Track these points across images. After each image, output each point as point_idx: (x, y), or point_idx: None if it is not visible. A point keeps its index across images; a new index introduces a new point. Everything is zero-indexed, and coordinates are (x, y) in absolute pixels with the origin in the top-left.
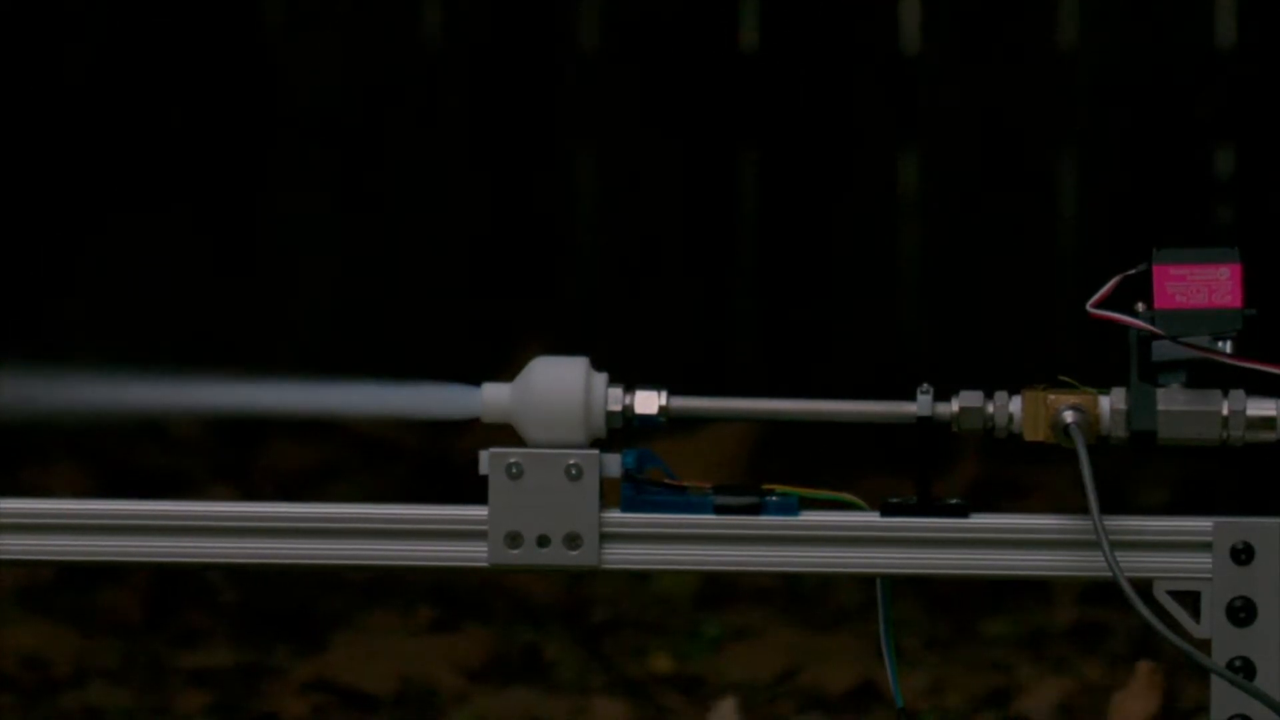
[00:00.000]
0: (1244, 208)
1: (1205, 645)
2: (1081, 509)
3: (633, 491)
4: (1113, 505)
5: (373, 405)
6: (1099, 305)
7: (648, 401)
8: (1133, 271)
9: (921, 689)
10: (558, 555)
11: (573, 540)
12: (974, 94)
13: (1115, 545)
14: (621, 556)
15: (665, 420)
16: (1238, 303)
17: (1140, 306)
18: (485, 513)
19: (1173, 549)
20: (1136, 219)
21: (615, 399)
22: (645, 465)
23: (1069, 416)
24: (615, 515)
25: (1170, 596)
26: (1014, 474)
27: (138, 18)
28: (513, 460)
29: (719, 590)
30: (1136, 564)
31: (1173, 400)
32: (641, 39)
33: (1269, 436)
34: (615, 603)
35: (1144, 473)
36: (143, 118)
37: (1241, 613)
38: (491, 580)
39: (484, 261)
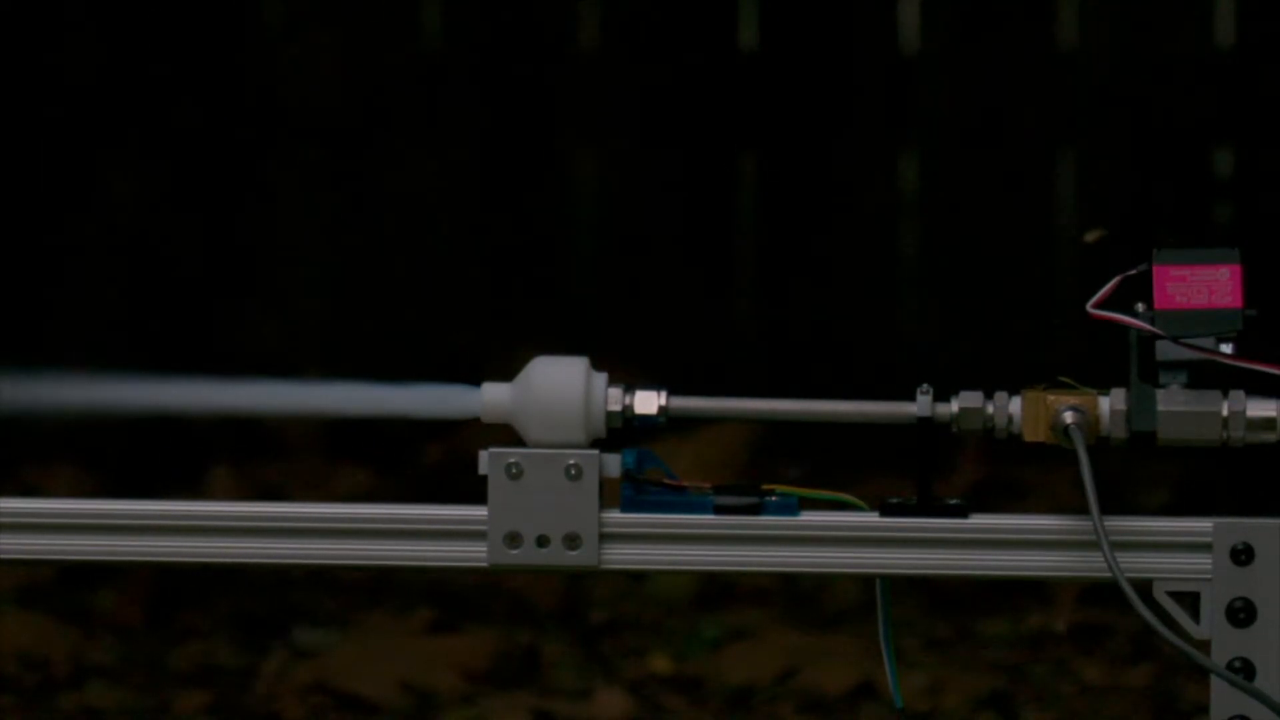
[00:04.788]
0: (1244, 208)
1: (1205, 646)
2: (1081, 510)
3: (632, 491)
4: (1113, 506)
5: (373, 405)
6: (1099, 305)
7: (647, 401)
8: (1133, 272)
9: (921, 689)
10: (557, 555)
11: (572, 540)
12: (974, 94)
13: (1115, 546)
14: (621, 557)
15: (665, 420)
16: (1238, 303)
17: (1140, 307)
18: (485, 513)
19: (1173, 550)
20: (1136, 219)
21: (615, 399)
22: (645, 465)
23: (1069, 417)
24: (615, 515)
25: (1170, 597)
26: (1014, 474)
27: (137, 19)
28: (512, 460)
29: (718, 591)
30: (1136, 565)
31: (1173, 401)
32: (641, 39)
33: (1269, 437)
34: (614, 604)
35: (1144, 473)
36: (143, 118)
37: (1241, 613)
38: (491, 581)
39: (484, 261)
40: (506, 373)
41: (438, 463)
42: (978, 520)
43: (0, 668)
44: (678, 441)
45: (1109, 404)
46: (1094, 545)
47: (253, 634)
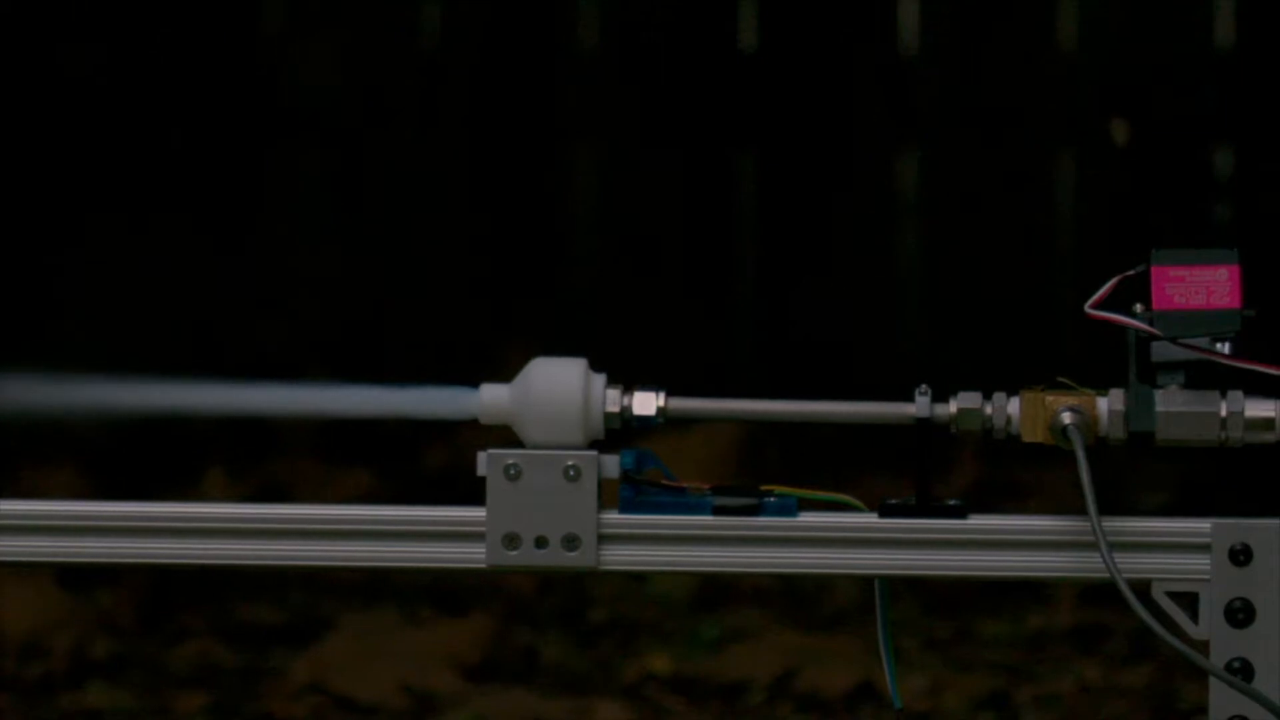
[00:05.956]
0: (1243, 208)
1: (1204, 647)
2: (1080, 510)
3: (631, 493)
4: (1111, 506)
5: (372, 406)
6: (1098, 306)
7: (646, 402)
8: (1131, 272)
9: (921, 689)
10: (556, 556)
11: (571, 541)
12: (974, 94)
13: (1113, 546)
14: (620, 558)
15: (663, 421)
16: (1236, 303)
17: (1139, 307)
18: (483, 514)
19: (1171, 550)
20: (1136, 219)
21: (613, 400)
22: (644, 466)
23: (1067, 418)
24: (613, 516)
25: (1169, 598)
26: (1013, 475)
27: (138, 20)
28: (511, 461)
29: (718, 591)
30: (1135, 565)
31: (1171, 401)
32: (641, 39)
33: (1268, 437)
34: (614, 604)
35: (1143, 474)
36: (143, 118)
37: (1240, 614)
38: (490, 581)
39: (483, 262)
40: (505, 374)
41: (438, 465)
42: (976, 521)
43: (0, 667)
44: (677, 439)
45: (1107, 404)
46: (1092, 546)
47: (251, 634)
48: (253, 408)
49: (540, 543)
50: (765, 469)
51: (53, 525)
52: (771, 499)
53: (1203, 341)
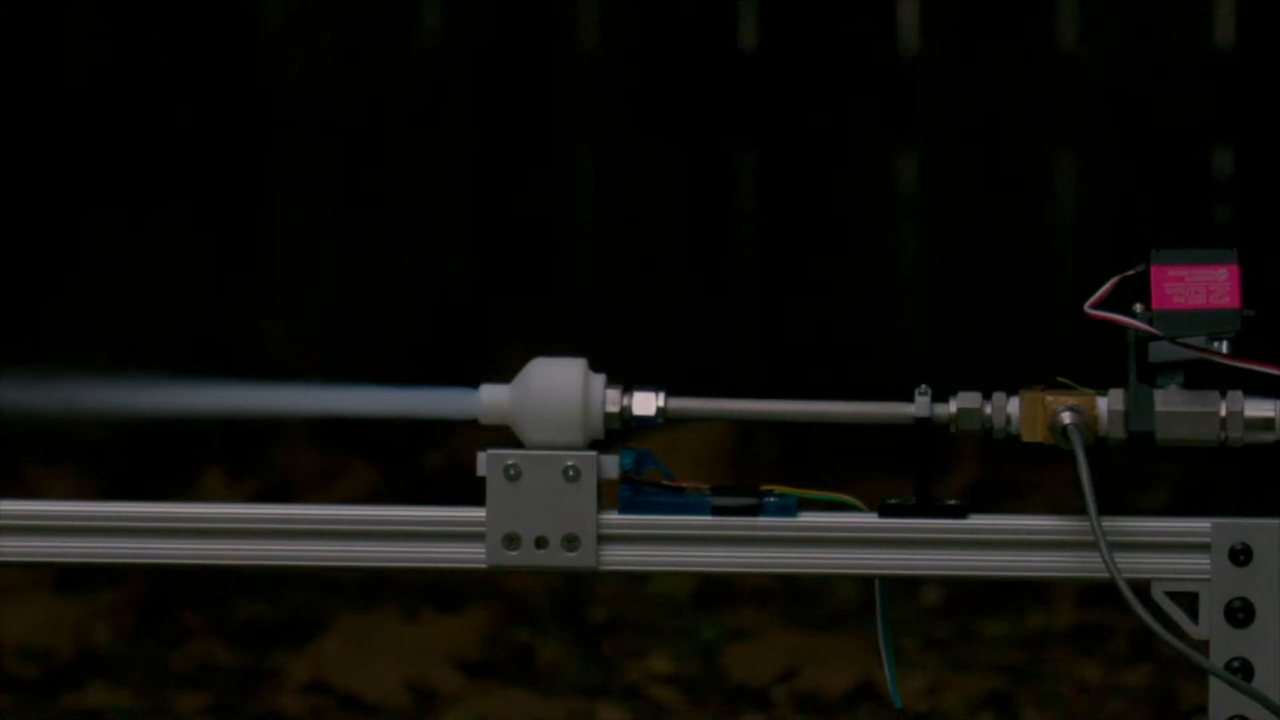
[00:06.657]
0: (1243, 208)
1: (1204, 646)
2: (1080, 510)
3: (630, 493)
4: (1111, 506)
5: (371, 407)
6: (1097, 306)
7: (645, 403)
8: (1131, 272)
9: (921, 689)
10: (555, 556)
11: (571, 541)
12: (974, 95)
13: (1113, 546)
14: (619, 558)
15: (663, 421)
16: (1236, 303)
17: (1138, 307)
18: (483, 514)
19: (1171, 550)
20: (1136, 219)
21: (613, 400)
22: (644, 466)
23: (1067, 418)
24: (613, 516)
25: (1168, 598)
26: (1012, 475)
27: (138, 19)
28: (510, 462)
29: (718, 591)
30: (1135, 565)
31: (1171, 401)
32: (641, 39)
33: (1267, 437)
34: (614, 604)
35: (1142, 474)
36: (143, 118)
37: (1240, 614)
38: (490, 581)
39: (483, 261)
40: (505, 374)
41: (438, 465)
42: (976, 521)
43: (0, 665)
44: (674, 435)
45: (1107, 404)
46: (1092, 546)
47: (251, 633)
48: (253, 408)
49: (540, 543)
50: (761, 465)
51: (53, 525)
52: (771, 499)
53: (1202, 341)
